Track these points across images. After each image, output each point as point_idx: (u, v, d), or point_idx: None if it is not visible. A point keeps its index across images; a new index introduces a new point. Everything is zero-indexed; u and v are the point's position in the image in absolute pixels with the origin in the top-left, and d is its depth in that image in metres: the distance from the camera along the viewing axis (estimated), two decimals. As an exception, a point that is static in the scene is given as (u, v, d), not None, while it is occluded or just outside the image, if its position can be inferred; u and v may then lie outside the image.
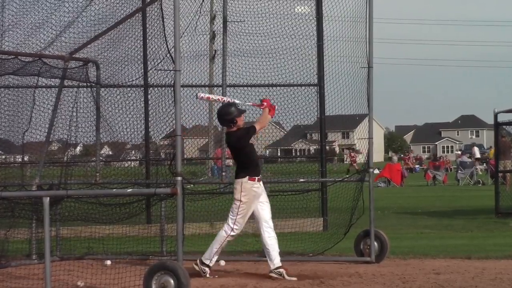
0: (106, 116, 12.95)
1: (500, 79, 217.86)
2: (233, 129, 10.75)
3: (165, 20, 11.03)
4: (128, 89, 13.92)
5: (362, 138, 12.34)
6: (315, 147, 19.83)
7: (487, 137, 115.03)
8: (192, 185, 12.06)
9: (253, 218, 10.91)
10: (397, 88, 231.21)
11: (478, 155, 48.25)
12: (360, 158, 12.86)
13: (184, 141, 18.28)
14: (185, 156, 18.39)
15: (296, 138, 23.93)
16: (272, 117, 10.83)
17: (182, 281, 8.98)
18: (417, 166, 61.36)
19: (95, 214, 12.23)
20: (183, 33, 14.01)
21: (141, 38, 14.16)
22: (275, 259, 10.65)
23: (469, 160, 41.79)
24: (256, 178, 10.71)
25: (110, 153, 18.75)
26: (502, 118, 20.36)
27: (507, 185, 21.34)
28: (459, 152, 52.47)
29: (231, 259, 12.08)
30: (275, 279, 10.57)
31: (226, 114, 10.72)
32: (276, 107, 10.91)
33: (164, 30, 11.11)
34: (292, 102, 16.04)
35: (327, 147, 17.28)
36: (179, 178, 9.28)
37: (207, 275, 10.69)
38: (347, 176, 13.84)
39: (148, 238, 13.70)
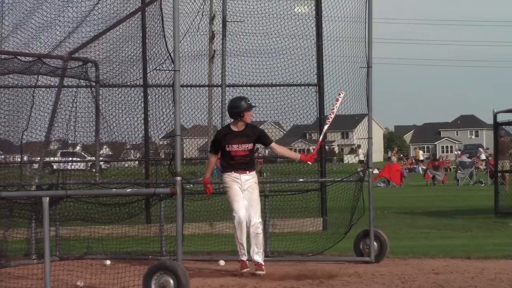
0: (106, 116, 12.95)
1: (500, 79, 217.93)
2: (242, 123, 10.93)
3: (164, 20, 11.03)
4: (128, 89, 13.93)
5: (361, 138, 12.34)
6: (314, 147, 19.82)
7: (486, 137, 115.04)
8: (191, 185, 12.05)
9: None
10: (397, 88, 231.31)
11: (483, 157, 48.99)
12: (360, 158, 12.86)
13: (184, 141, 18.29)
14: (184, 156, 18.38)
15: (295, 138, 23.89)
16: (302, 161, 11.42)
17: (182, 281, 8.97)
18: (414, 166, 61.43)
19: (95, 214, 12.23)
20: (184, 35, 14.02)
21: (141, 38, 14.15)
22: None
23: (469, 160, 41.81)
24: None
25: (110, 153, 18.76)
26: (501, 118, 20.40)
27: (506, 185, 21.36)
28: (459, 152, 52.58)
29: (231, 259, 12.08)
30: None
31: (235, 107, 10.95)
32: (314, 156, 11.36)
33: (163, 30, 11.10)
34: (292, 102, 16.04)
35: (327, 147, 17.26)
36: (179, 178, 9.27)
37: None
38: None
39: (147, 238, 13.69)
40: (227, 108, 11.23)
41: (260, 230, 10.97)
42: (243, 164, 10.97)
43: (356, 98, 12.51)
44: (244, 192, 10.95)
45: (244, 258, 10.88)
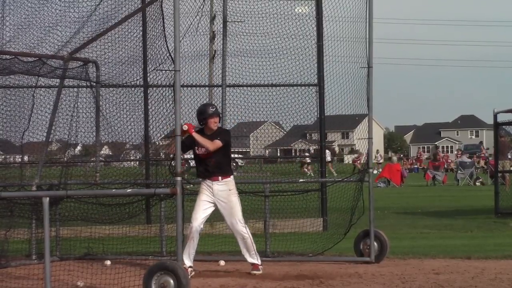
0: (106, 116, 12.95)
1: (500, 79, 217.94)
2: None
3: (165, 20, 11.03)
4: (128, 89, 13.93)
5: (361, 138, 12.34)
6: (314, 147, 19.82)
7: (486, 137, 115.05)
8: (192, 185, 12.03)
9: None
10: (397, 88, 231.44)
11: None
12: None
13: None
14: (185, 156, 18.37)
15: (295, 138, 23.91)
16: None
17: (182, 281, 8.97)
18: (415, 166, 61.54)
19: (95, 214, 12.23)
20: (184, 34, 14.01)
21: (141, 38, 14.15)
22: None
23: (469, 160, 41.81)
24: None
25: (110, 153, 18.76)
26: (501, 118, 20.39)
27: (507, 185, 21.36)
28: (456, 152, 52.56)
29: (231, 259, 12.09)
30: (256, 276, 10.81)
31: (200, 113, 11.14)
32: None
33: (164, 30, 11.10)
34: (292, 102, 16.05)
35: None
36: (179, 178, 9.28)
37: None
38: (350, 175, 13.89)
39: (148, 238, 13.70)
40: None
41: (245, 234, 10.99)
42: (216, 170, 10.98)
43: (357, 98, 12.52)
44: (218, 202, 10.98)
45: (187, 265, 10.69)
